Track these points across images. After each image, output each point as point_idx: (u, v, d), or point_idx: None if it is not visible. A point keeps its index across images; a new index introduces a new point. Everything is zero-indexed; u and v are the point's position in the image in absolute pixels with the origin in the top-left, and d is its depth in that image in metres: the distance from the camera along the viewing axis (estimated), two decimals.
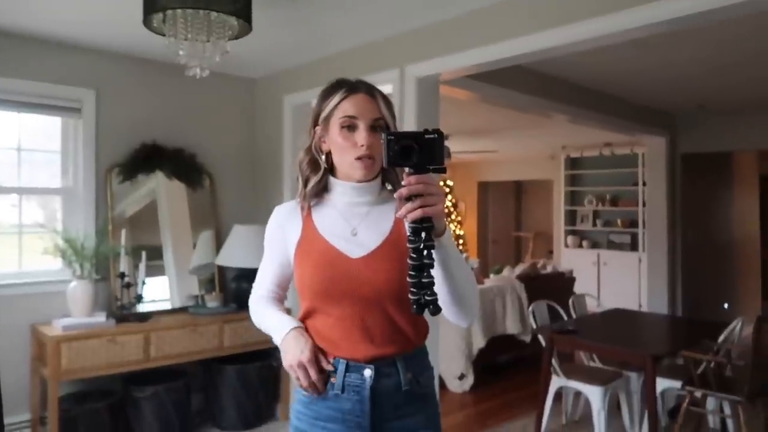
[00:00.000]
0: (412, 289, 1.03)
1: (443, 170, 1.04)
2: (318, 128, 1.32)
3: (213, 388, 3.58)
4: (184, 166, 3.77)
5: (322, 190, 1.33)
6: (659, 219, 5.71)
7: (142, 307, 3.45)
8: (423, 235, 1.01)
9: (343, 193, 1.31)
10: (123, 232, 3.43)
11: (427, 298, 1.02)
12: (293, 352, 1.23)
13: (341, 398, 1.24)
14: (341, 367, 1.24)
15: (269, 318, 1.35)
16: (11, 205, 3.37)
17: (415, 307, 1.03)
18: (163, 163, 3.68)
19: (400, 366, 1.25)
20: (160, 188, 3.73)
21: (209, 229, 3.90)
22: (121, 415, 3.27)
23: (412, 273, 1.02)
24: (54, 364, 2.90)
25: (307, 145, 1.34)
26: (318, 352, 1.25)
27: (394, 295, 1.18)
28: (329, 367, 1.24)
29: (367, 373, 1.23)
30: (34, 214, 3.45)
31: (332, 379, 1.24)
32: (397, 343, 1.24)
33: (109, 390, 3.32)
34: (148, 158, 3.62)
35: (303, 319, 1.29)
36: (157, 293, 3.62)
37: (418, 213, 1.01)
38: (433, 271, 1.04)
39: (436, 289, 1.06)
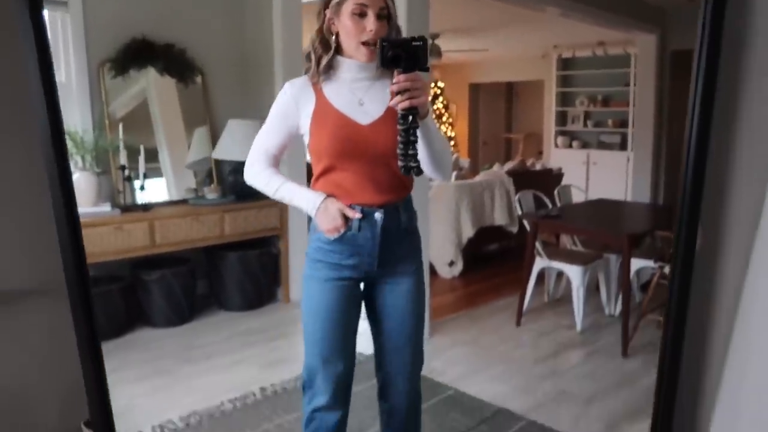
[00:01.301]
0: (400, 158, 1.34)
1: (426, 69, 1.35)
2: (328, 11, 1.50)
3: (216, 274, 3.80)
4: (174, 62, 3.78)
5: (329, 68, 1.53)
6: (647, 117, 5.80)
7: (143, 199, 3.60)
8: (410, 119, 1.32)
9: (349, 69, 1.53)
10: (120, 126, 3.51)
11: (412, 164, 1.34)
12: (327, 222, 1.52)
13: (357, 236, 1.54)
14: (357, 211, 1.52)
15: (291, 189, 1.59)
16: None
17: (403, 170, 1.35)
18: (154, 58, 3.69)
19: (401, 209, 1.58)
20: (151, 85, 3.76)
21: (203, 126, 3.98)
22: (132, 297, 3.50)
23: (401, 147, 1.34)
24: None
25: (317, 27, 1.53)
26: (345, 211, 1.52)
27: (395, 154, 1.39)
28: (358, 215, 1.52)
29: (378, 216, 1.53)
30: None
31: (349, 223, 1.53)
32: (398, 191, 1.56)
33: (120, 275, 3.53)
34: (138, 53, 3.62)
35: (321, 175, 1.55)
36: (155, 194, 3.75)
37: (405, 104, 1.31)
38: (417, 144, 1.35)
39: (419, 155, 1.37)
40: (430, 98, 1.49)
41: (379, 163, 1.51)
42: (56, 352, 1.55)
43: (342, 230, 1.53)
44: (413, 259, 1.65)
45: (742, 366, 1.31)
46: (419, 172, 1.35)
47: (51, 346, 1.60)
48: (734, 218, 1.33)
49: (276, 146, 1.61)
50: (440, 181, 1.68)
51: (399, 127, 1.32)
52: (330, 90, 1.54)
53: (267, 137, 1.61)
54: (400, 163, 1.34)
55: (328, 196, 1.54)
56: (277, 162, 1.64)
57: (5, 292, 1.50)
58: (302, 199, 1.58)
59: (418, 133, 1.35)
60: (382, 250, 1.56)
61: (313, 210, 1.55)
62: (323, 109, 1.52)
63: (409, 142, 1.32)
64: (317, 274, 1.58)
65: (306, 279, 1.61)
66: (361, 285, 1.64)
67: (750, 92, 1.31)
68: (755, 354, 1.26)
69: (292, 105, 1.56)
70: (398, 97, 1.31)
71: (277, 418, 2.46)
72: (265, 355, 3.13)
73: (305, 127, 1.55)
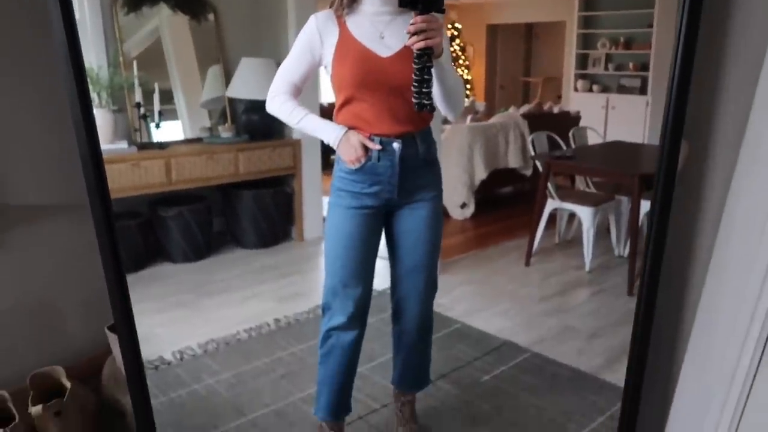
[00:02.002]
0: (414, 95, 1.40)
1: (442, 11, 1.40)
2: None
3: (232, 212, 3.88)
4: None
5: (353, 1, 1.60)
6: (666, 59, 5.65)
7: (159, 137, 3.65)
8: (425, 59, 1.38)
9: (372, 3, 1.58)
10: (134, 64, 3.53)
11: (425, 102, 1.41)
12: (349, 152, 1.60)
13: (377, 165, 1.63)
14: (376, 142, 1.61)
15: (315, 122, 1.67)
16: None
17: (416, 107, 1.41)
18: None
19: (419, 139, 1.65)
20: (164, 23, 3.75)
21: (216, 64, 3.98)
22: (150, 233, 3.60)
23: (416, 85, 1.40)
24: None
25: None
26: (365, 142, 1.60)
27: (412, 86, 1.44)
28: (377, 147, 1.61)
29: (396, 145, 1.61)
30: None
31: (378, 148, 1.61)
32: (416, 122, 1.62)
33: (138, 211, 3.62)
34: None
35: (342, 106, 1.62)
36: (171, 134, 3.79)
37: (421, 44, 1.36)
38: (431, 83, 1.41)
39: (433, 93, 1.44)
40: (446, 40, 1.53)
41: (397, 95, 1.56)
42: (81, 262, 1.65)
43: (363, 161, 1.61)
44: (432, 188, 1.72)
45: (715, 304, 1.35)
46: (432, 109, 1.42)
47: (76, 256, 1.69)
48: (720, 135, 1.34)
49: (300, 77, 1.67)
50: (452, 118, 1.75)
51: (414, 66, 1.38)
52: (353, 23, 1.60)
53: (291, 68, 1.67)
54: (414, 100, 1.40)
55: (350, 128, 1.62)
56: (299, 92, 1.70)
57: (33, 207, 1.59)
58: (325, 131, 1.65)
59: (433, 72, 1.41)
60: (401, 178, 1.64)
61: (335, 141, 1.63)
62: (346, 42, 1.58)
63: (423, 81, 1.38)
64: (340, 202, 1.67)
65: (330, 207, 1.70)
66: (383, 215, 1.72)
67: None
68: (727, 295, 1.30)
69: (316, 37, 1.62)
70: (414, 38, 1.36)
71: (291, 347, 2.57)
72: (280, 290, 3.23)
73: (328, 58, 1.61)
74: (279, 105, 1.69)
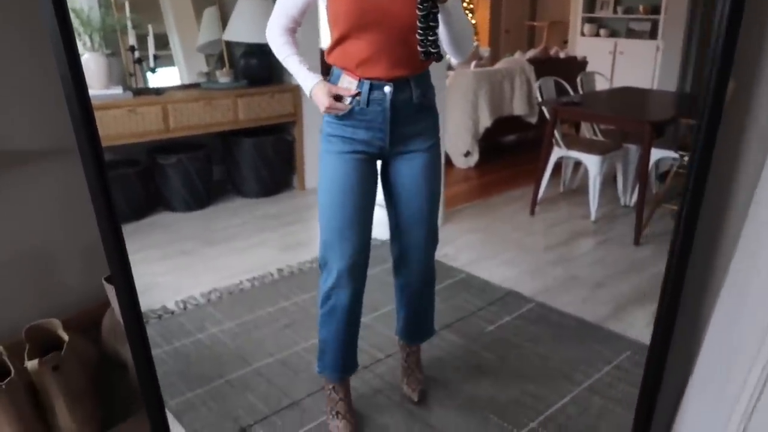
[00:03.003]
0: (420, 43, 1.32)
1: None
2: None
3: (232, 160, 3.81)
4: None
5: None
6: (680, 3, 5.44)
7: (154, 83, 3.54)
8: (430, 3, 1.28)
9: None
10: (126, 5, 3.38)
11: (431, 50, 1.32)
12: (321, 101, 1.51)
13: (366, 110, 1.53)
14: (366, 87, 1.50)
15: (294, 66, 1.57)
16: None
17: (422, 55, 1.33)
18: None
19: (413, 84, 1.55)
20: None
21: (212, 6, 3.82)
22: (150, 181, 3.54)
23: (421, 32, 1.31)
24: None
25: None
26: (337, 91, 1.51)
27: (413, 28, 1.35)
28: (352, 92, 1.51)
29: (387, 89, 1.51)
30: None
31: (358, 97, 1.51)
32: (411, 65, 1.50)
33: (136, 159, 3.55)
34: None
35: (335, 45, 1.51)
36: (167, 80, 3.67)
37: None
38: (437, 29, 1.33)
39: (439, 35, 1.37)
40: None
41: (395, 36, 1.46)
42: (76, 211, 1.59)
43: (341, 109, 1.52)
44: (429, 136, 1.64)
45: (751, 253, 1.28)
46: (439, 58, 1.35)
47: (70, 204, 1.63)
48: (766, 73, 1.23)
49: (297, 9, 1.57)
50: (458, 60, 1.75)
51: (418, 12, 1.28)
52: None
53: (288, 2, 1.56)
54: (419, 48, 1.33)
55: (340, 69, 1.54)
56: (297, 24, 1.60)
57: (20, 152, 1.52)
58: (300, 77, 1.57)
59: (439, 17, 1.33)
60: (393, 125, 1.55)
61: (307, 91, 1.56)
62: None
63: (429, 28, 1.30)
64: (331, 148, 1.58)
65: (321, 154, 1.61)
66: (378, 163, 1.65)
67: None
68: (763, 249, 1.23)
69: None
70: None
71: (294, 296, 2.55)
72: (282, 239, 3.20)
73: None
74: (272, 37, 1.59)
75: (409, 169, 1.63)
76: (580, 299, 2.59)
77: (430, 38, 1.30)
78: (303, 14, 1.58)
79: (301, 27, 1.61)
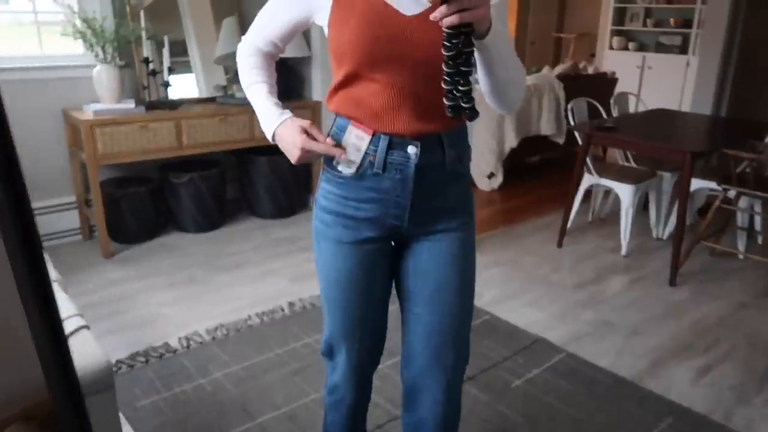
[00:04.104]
0: (446, 95, 0.93)
1: None
2: None
3: (247, 178, 3.66)
4: None
5: None
6: (719, 15, 5.19)
7: (171, 92, 3.41)
8: (460, 41, 0.88)
9: None
10: (141, 14, 3.25)
11: (463, 103, 0.92)
12: (291, 143, 1.14)
13: (382, 177, 1.14)
14: (383, 144, 1.12)
15: (259, 97, 1.22)
16: None
17: (449, 111, 0.94)
18: None
19: (446, 143, 1.16)
20: None
21: (232, 15, 3.68)
22: (161, 199, 3.41)
23: (447, 78, 0.92)
24: (90, 148, 2.94)
25: None
26: (310, 127, 1.14)
27: None
28: (337, 151, 1.13)
29: (412, 150, 1.12)
30: None
31: (371, 158, 1.13)
32: (445, 117, 0.99)
33: (147, 177, 3.42)
34: None
35: (340, 87, 1.15)
36: (185, 90, 3.55)
37: (454, 19, 0.85)
38: (471, 75, 0.94)
39: (480, 82, 1.03)
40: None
41: (424, 74, 1.07)
42: None
43: (322, 153, 1.13)
44: (460, 212, 1.22)
45: None
46: (473, 115, 0.93)
47: None
48: None
49: (278, 33, 1.21)
50: (502, 112, 1.38)
51: (444, 52, 0.90)
52: None
53: (269, 20, 1.21)
54: (446, 102, 0.93)
55: (347, 119, 1.15)
56: (275, 48, 1.24)
57: None
58: (262, 112, 1.20)
59: (476, 59, 0.97)
60: (416, 198, 1.16)
61: (269, 132, 1.18)
62: None
63: (460, 73, 0.90)
64: (328, 233, 1.21)
65: (315, 234, 1.25)
66: (391, 242, 1.26)
67: None
68: None
69: None
70: (443, 8, 0.85)
71: (305, 336, 2.39)
72: (295, 266, 3.03)
73: (322, 12, 1.11)
74: (240, 58, 1.25)
75: (434, 255, 1.21)
76: (613, 350, 2.39)
77: (461, 88, 0.91)
78: (285, 39, 1.23)
79: (283, 53, 1.28)
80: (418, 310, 1.24)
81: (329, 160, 1.18)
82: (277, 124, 1.17)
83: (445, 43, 0.89)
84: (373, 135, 1.13)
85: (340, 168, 1.16)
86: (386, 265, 1.25)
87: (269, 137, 1.20)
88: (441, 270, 1.21)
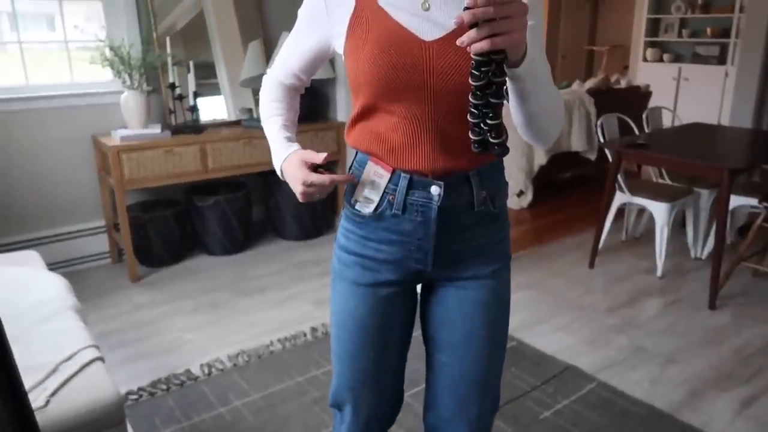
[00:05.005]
0: (473, 127, 0.83)
1: None
2: None
3: (273, 200, 3.66)
4: None
5: None
6: (759, 24, 5.01)
7: (200, 118, 3.44)
8: (491, 69, 0.77)
9: None
10: (167, 40, 3.30)
11: (492, 139, 0.82)
12: (294, 185, 1.06)
13: (401, 219, 1.06)
14: (403, 183, 1.04)
15: (273, 130, 1.17)
16: (53, 16, 3.25)
17: (475, 146, 0.84)
18: None
19: (474, 182, 1.06)
20: None
21: (257, 39, 3.71)
22: (186, 222, 3.43)
23: (475, 110, 0.82)
24: (117, 173, 2.98)
25: None
26: (309, 160, 1.05)
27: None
28: (328, 178, 1.04)
29: (435, 190, 1.03)
30: (77, 25, 3.34)
31: (390, 198, 1.05)
32: (473, 153, 0.88)
33: (174, 200, 3.46)
34: None
35: (357, 120, 1.08)
36: (213, 112, 3.59)
37: (484, 44, 0.73)
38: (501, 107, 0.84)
39: (512, 113, 0.94)
40: (536, 24, 0.92)
41: (447, 105, 0.98)
42: None
43: (314, 196, 1.05)
44: (493, 258, 1.11)
45: None
46: (503, 151, 0.83)
47: None
48: None
49: (299, 64, 1.14)
50: (539, 147, 1.10)
51: (472, 82, 0.79)
52: None
53: (289, 51, 1.15)
54: (472, 136, 0.84)
55: (365, 154, 1.07)
56: (298, 80, 1.18)
57: None
58: (273, 146, 1.14)
59: (509, 88, 0.87)
60: (439, 241, 1.06)
61: (277, 166, 1.12)
62: (365, 13, 1.00)
63: (489, 106, 0.80)
64: (346, 273, 1.12)
65: (333, 273, 1.17)
66: (418, 287, 1.17)
67: None
68: None
69: (320, 6, 1.05)
70: (473, 33, 0.73)
71: (326, 362, 2.34)
72: (318, 291, 3.00)
73: (339, 39, 1.04)
74: (262, 91, 1.21)
75: (461, 304, 1.10)
76: (648, 379, 2.28)
77: (489, 121, 0.81)
78: (307, 71, 1.16)
79: (307, 85, 1.22)
80: (444, 359, 1.14)
81: (349, 198, 1.11)
82: (282, 158, 1.11)
83: (473, 71, 0.78)
84: (392, 173, 1.04)
85: (358, 207, 1.09)
86: (407, 312, 1.16)
87: (279, 173, 1.13)
88: (468, 321, 1.10)
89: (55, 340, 1.55)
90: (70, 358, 1.47)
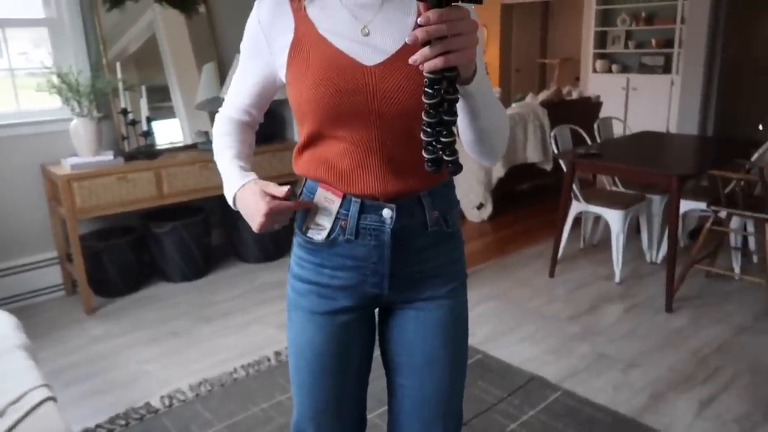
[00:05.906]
0: (426, 147, 0.81)
1: (479, 1, 0.75)
2: None
3: (232, 223, 3.61)
4: None
5: None
6: (698, 36, 5.24)
7: (155, 142, 3.38)
8: (443, 85, 0.77)
9: None
10: (118, 66, 3.24)
11: (446, 156, 0.81)
12: (251, 215, 1.01)
13: (355, 244, 1.04)
14: (354, 208, 1.03)
15: (225, 164, 1.12)
16: None
17: (429, 164, 0.82)
18: None
19: (426, 203, 1.05)
20: (157, 18, 3.46)
21: (211, 61, 3.68)
22: (143, 249, 3.35)
23: (428, 129, 0.81)
24: (68, 202, 2.90)
25: None
26: (271, 192, 1.00)
27: (418, 114, 0.82)
28: (305, 203, 1.05)
29: (387, 213, 1.02)
30: (22, 51, 3.26)
31: (342, 223, 1.04)
32: (423, 174, 0.91)
33: (129, 227, 3.37)
34: None
35: (304, 148, 1.07)
36: (170, 136, 3.53)
37: (438, 62, 0.73)
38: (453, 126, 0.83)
39: (460, 131, 0.93)
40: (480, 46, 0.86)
41: (393, 128, 0.99)
42: None
43: (274, 225, 1.01)
44: (449, 278, 1.11)
45: None
46: (457, 169, 0.81)
47: None
48: None
49: (247, 98, 1.12)
50: (487, 165, 1.10)
51: (425, 100, 0.78)
52: (318, 10, 1.01)
53: (237, 86, 1.14)
54: (425, 155, 0.82)
55: (314, 181, 1.06)
56: (249, 116, 1.15)
57: None
58: (225, 178, 1.09)
59: (459, 107, 0.88)
60: (394, 264, 1.05)
61: (230, 198, 1.07)
62: (305, 41, 1.00)
63: (442, 123, 0.80)
64: (301, 302, 1.10)
65: (288, 303, 1.15)
66: (376, 311, 1.16)
67: None
68: None
69: (259, 36, 1.04)
70: (426, 50, 0.73)
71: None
72: (281, 313, 2.96)
73: (282, 71, 1.03)
74: (215, 126, 1.18)
75: (420, 326, 1.10)
76: (611, 385, 2.31)
77: (443, 139, 0.80)
78: (256, 105, 1.14)
79: (260, 121, 1.19)
80: (405, 383, 1.13)
81: (300, 225, 1.09)
82: (237, 186, 1.05)
83: (426, 89, 0.78)
84: (343, 198, 1.03)
85: (310, 234, 1.07)
86: (365, 337, 1.15)
87: (230, 202, 1.08)
88: (429, 343, 1.10)
89: (2, 382, 1.48)
90: (18, 400, 1.41)
